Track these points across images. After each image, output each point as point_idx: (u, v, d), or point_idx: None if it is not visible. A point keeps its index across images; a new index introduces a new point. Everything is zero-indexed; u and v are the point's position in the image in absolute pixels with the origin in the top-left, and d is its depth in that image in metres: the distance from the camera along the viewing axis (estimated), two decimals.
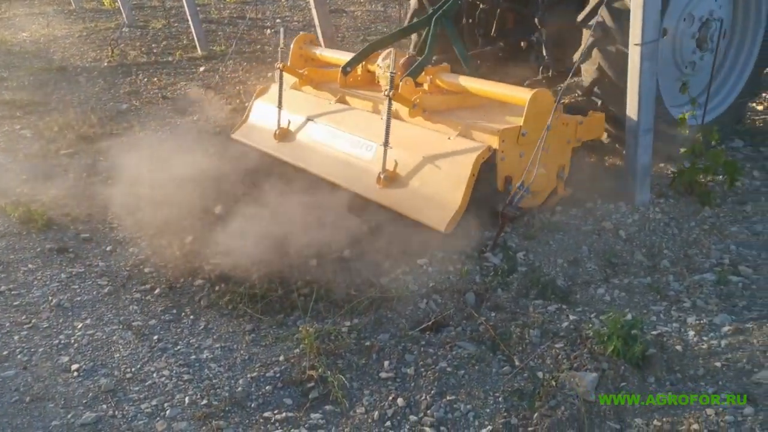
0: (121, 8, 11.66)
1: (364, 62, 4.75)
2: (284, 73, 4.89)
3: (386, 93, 3.86)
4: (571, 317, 3.13)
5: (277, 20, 11.89)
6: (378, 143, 3.99)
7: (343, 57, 4.89)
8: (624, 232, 3.90)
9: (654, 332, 3.00)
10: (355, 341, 3.02)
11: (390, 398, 2.70)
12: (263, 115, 5.18)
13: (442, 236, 3.81)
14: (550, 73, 5.12)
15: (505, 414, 2.59)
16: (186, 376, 2.91)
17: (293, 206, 4.39)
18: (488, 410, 2.62)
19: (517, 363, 2.86)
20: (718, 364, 2.75)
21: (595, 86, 4.46)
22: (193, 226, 4.21)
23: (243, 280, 3.53)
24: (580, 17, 4.40)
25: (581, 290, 3.43)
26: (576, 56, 4.37)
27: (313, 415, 2.64)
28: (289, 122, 4.83)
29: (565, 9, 4.65)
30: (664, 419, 2.49)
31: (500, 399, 2.67)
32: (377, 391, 2.76)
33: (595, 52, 4.30)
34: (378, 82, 4.55)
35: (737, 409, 2.48)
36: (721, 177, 4.40)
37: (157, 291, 3.57)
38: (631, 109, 3.97)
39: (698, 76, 4.82)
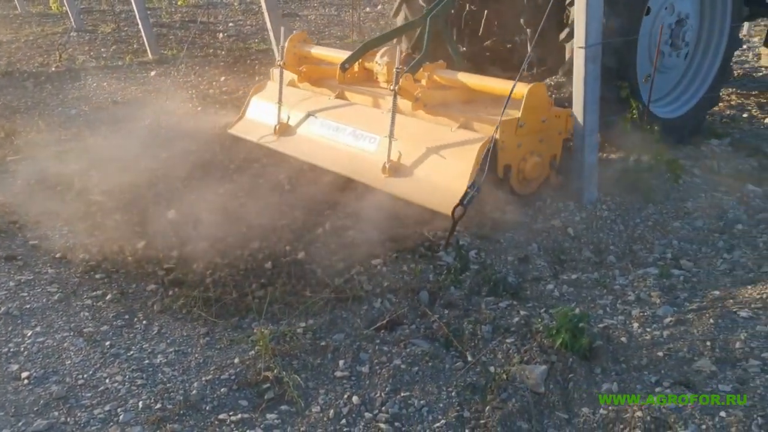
0: (69, 12, 11.44)
1: (360, 59, 4.94)
2: (275, 70, 5.19)
3: (392, 88, 4.11)
4: (522, 313, 3.21)
5: (230, 24, 11.82)
6: (381, 136, 4.25)
7: (335, 55, 5.11)
8: (572, 229, 4.02)
9: (600, 325, 3.10)
10: (311, 342, 3.05)
11: (345, 397, 2.74)
12: (261, 111, 5.34)
13: (393, 237, 3.88)
14: (534, 71, 5.42)
15: (458, 408, 2.65)
16: (139, 381, 2.89)
17: (248, 209, 4.40)
18: (441, 405, 2.67)
19: (469, 358, 2.93)
20: (660, 353, 2.86)
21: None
22: (145, 231, 4.18)
23: (197, 284, 3.52)
24: (562, 35, 4.70)
25: (531, 286, 3.52)
26: (561, 70, 4.74)
27: (268, 416, 2.66)
28: (289, 117, 5.01)
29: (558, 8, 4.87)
30: (610, 408, 2.59)
31: (453, 394, 2.72)
32: (332, 390, 2.78)
33: None
34: (376, 78, 4.80)
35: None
36: (664, 175, 4.56)
37: (108, 297, 3.53)
38: (577, 111, 4.09)
39: (670, 74, 5.25)
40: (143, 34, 9.15)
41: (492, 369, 2.84)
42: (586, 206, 4.18)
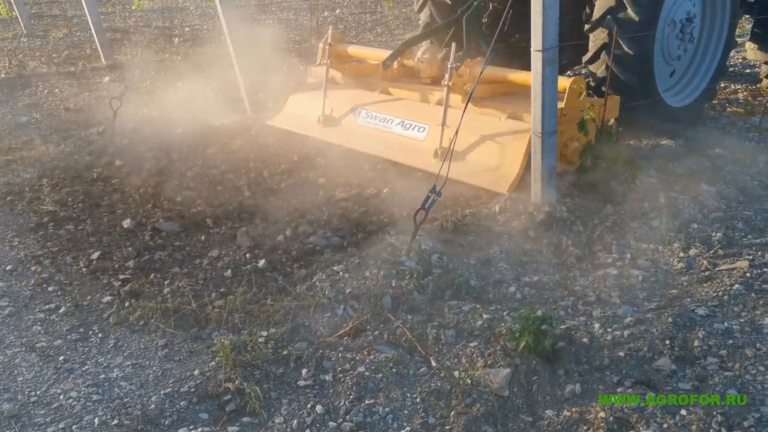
0: (19, 17, 11.12)
1: (399, 58, 5.44)
2: (314, 68, 5.83)
3: (445, 83, 4.60)
4: (485, 316, 3.21)
5: (186, 28, 11.64)
6: (429, 125, 4.77)
7: (371, 53, 5.73)
8: (533, 231, 4.04)
9: (563, 326, 3.12)
10: (273, 351, 3.00)
11: (309, 406, 2.69)
12: (301, 105, 5.76)
13: (356, 242, 3.86)
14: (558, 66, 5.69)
15: (423, 414, 2.63)
16: (95, 397, 2.80)
17: (206, 216, 4.33)
18: (406, 411, 2.65)
19: (433, 363, 2.91)
20: (621, 353, 2.88)
21: (604, 81, 5.06)
22: (100, 241, 4.07)
23: (154, 295, 3.44)
24: (588, 27, 5.21)
25: (494, 289, 3.53)
26: (585, 58, 5.25)
27: (230, 429, 2.60)
28: (332, 110, 5.42)
29: (569, 11, 5.34)
30: (573, 409, 2.60)
31: (418, 400, 2.70)
32: (296, 399, 2.74)
33: (603, 55, 5.13)
34: (419, 74, 5.34)
35: (640, 395, 2.61)
36: (622, 175, 4.62)
37: (62, 310, 3.41)
38: (536, 113, 4.11)
39: (680, 64, 5.81)
40: (96, 39, 8.94)
41: (456, 374, 2.82)
42: (546, 208, 4.20)
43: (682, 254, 3.78)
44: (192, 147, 5.54)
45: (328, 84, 5.47)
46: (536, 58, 3.98)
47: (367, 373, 2.85)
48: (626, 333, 3.03)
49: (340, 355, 2.97)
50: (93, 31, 8.93)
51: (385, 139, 4.98)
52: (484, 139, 4.50)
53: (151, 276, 3.63)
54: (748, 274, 3.42)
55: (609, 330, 3.08)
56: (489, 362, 2.86)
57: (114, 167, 5.14)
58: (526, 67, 5.33)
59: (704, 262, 3.66)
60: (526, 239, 3.98)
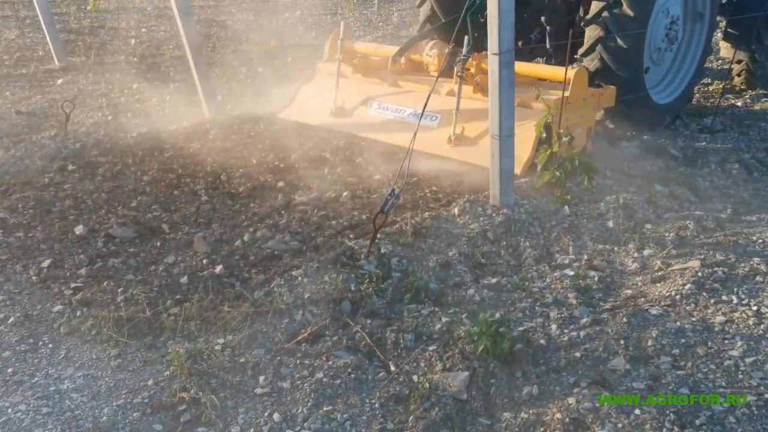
0: None
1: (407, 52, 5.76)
2: (322, 64, 6.12)
3: (458, 74, 4.91)
4: (444, 319, 3.21)
5: (143, 29, 11.45)
6: (441, 114, 5.11)
7: (377, 49, 6.06)
8: (491, 233, 4.06)
9: (520, 328, 3.14)
10: (229, 358, 2.95)
11: (266, 414, 2.66)
12: (312, 98, 6.04)
13: (315, 246, 3.83)
14: (552, 62, 6.26)
15: (382, 420, 2.61)
16: (45, 410, 2.72)
17: (162, 221, 4.25)
18: (365, 417, 2.63)
19: (392, 368, 2.90)
20: (577, 354, 2.91)
21: (597, 74, 5.54)
22: (51, 248, 3.96)
23: (107, 303, 3.36)
24: (584, 22, 5.57)
25: (453, 292, 3.53)
26: (580, 52, 5.63)
27: None
28: (344, 102, 5.73)
29: (563, 14, 6.09)
30: (531, 411, 2.61)
31: (376, 405, 2.69)
32: (252, 408, 2.70)
33: (598, 48, 5.50)
34: (426, 68, 5.70)
35: (595, 396, 2.64)
36: (578, 177, 4.68)
37: (11, 320, 3.31)
38: (493, 116, 4.14)
39: (662, 67, 6.18)
40: (49, 40, 8.73)
41: (415, 378, 2.82)
42: (504, 210, 4.24)
43: (636, 254, 3.84)
44: (148, 150, 5.45)
45: (336, 78, 5.76)
46: (493, 61, 4.01)
47: (325, 380, 2.82)
48: (582, 334, 3.07)
49: (298, 361, 2.94)
50: (46, 32, 8.72)
51: (398, 128, 5.21)
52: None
53: (104, 284, 3.55)
54: (699, 274, 3.48)
55: (566, 331, 3.11)
56: (447, 366, 2.86)
57: (66, 172, 5.02)
58: (526, 59, 6.07)
59: (658, 262, 3.72)
60: (485, 241, 4.00)
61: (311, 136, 5.84)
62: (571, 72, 4.83)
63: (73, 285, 3.56)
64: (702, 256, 3.71)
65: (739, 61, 7.57)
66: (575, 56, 6.12)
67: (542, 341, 3.03)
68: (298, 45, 10.47)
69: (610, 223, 4.21)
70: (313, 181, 4.93)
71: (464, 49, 4.91)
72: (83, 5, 13.86)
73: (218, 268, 3.67)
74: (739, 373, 2.73)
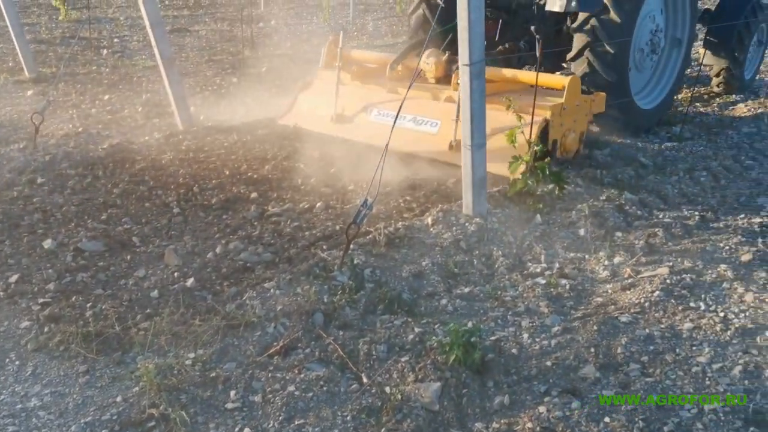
0: None
1: (404, 60, 5.92)
2: (320, 71, 6.25)
3: (459, 81, 4.71)
4: (417, 330, 3.21)
5: (115, 40, 11.35)
6: (441, 120, 5.24)
7: (373, 56, 6.30)
8: (464, 242, 4.08)
9: (492, 338, 3.15)
10: (200, 373, 2.92)
11: (237, 429, 2.63)
12: (310, 104, 6.14)
13: (287, 258, 3.81)
14: (542, 69, 6.17)
15: None
16: (11, 428, 2.66)
17: (133, 234, 4.21)
18: (336, 430, 2.62)
19: (365, 380, 2.89)
20: (549, 363, 2.93)
21: (585, 77, 5.80)
22: (19, 263, 3.90)
23: (75, 319, 3.31)
24: (573, 25, 5.87)
25: (426, 302, 3.54)
26: (569, 55, 5.92)
27: None
28: (344, 109, 5.81)
29: (551, 23, 6.34)
30: (502, 421, 2.62)
31: (348, 418, 2.68)
32: (223, 423, 2.67)
33: (587, 53, 5.80)
34: (424, 75, 5.79)
35: (565, 404, 2.66)
36: (549, 185, 4.73)
37: None
38: (465, 126, 4.17)
39: (645, 74, 6.48)
40: (19, 51, 8.60)
41: (387, 389, 2.81)
42: (477, 219, 4.26)
43: (607, 262, 3.88)
44: (119, 163, 5.39)
45: (335, 85, 5.87)
46: (464, 72, 4.04)
47: (297, 393, 2.81)
48: (554, 342, 3.09)
49: (269, 375, 2.92)
50: (15, 43, 8.59)
51: (398, 134, 5.20)
52: (494, 131, 4.82)
53: (73, 299, 3.50)
54: (668, 281, 3.53)
55: (537, 340, 3.13)
56: (420, 377, 2.86)
57: (35, 185, 4.95)
58: (515, 66, 6.35)
59: (628, 269, 3.76)
60: (458, 251, 4.02)
61: (285, 146, 5.83)
62: (566, 80, 5.09)
63: (41, 300, 3.50)
64: (671, 263, 3.76)
65: (718, 66, 7.97)
66: (563, 64, 6.52)
67: (514, 350, 3.05)
68: (272, 54, 10.45)
69: (582, 231, 4.25)
70: (286, 191, 4.91)
71: (461, 59, 4.98)
72: (55, 15, 13.70)
73: (189, 281, 3.64)
74: (707, 379, 2.77)
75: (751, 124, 6.91)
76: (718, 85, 8.13)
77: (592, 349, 2.99)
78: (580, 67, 5.86)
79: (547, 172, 4.58)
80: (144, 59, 9.70)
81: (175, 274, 3.75)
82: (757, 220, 4.39)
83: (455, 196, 4.69)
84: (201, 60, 10.08)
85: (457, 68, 4.85)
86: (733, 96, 8.08)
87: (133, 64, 9.47)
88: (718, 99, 8.00)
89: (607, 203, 4.62)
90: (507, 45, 6.56)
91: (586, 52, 5.80)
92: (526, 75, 5.44)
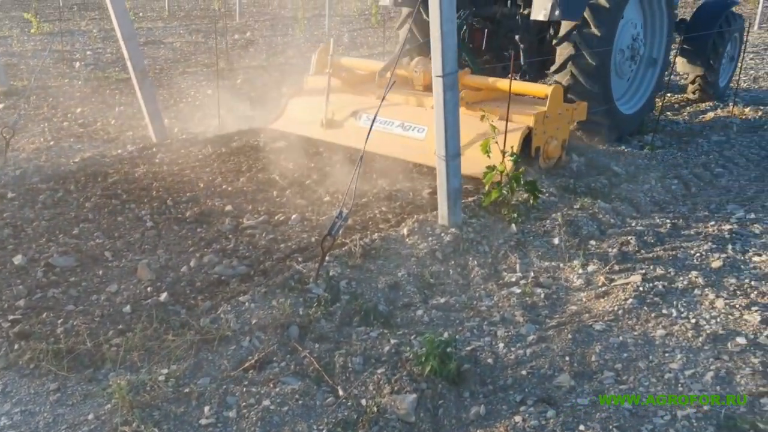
0: None
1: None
2: (310, 78, 6.43)
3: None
4: (392, 341, 3.21)
5: (88, 52, 11.25)
6: (428, 126, 5.28)
7: (362, 64, 6.47)
8: (440, 253, 4.09)
9: (468, 348, 3.16)
10: (173, 389, 2.88)
11: None
12: (300, 110, 6.25)
13: (263, 270, 3.80)
14: (527, 77, 6.67)
15: None
16: None
17: (105, 249, 4.15)
18: None
19: (341, 393, 2.88)
20: (524, 372, 2.94)
21: (569, 89, 6.00)
22: None
23: (46, 335, 3.25)
24: (556, 41, 6.07)
25: (402, 313, 3.54)
26: (553, 68, 6.09)
27: None
28: (334, 114, 5.91)
29: (534, 32, 6.58)
30: (478, 431, 2.62)
31: (324, 431, 2.66)
32: None
33: (569, 65, 5.98)
34: (412, 82, 5.98)
35: (541, 413, 2.67)
36: (524, 195, 4.76)
37: None
38: (439, 137, 4.19)
39: (624, 80, 6.72)
40: None
41: (363, 402, 2.80)
42: (452, 229, 4.27)
43: (581, 271, 3.92)
44: (91, 176, 5.33)
45: (324, 91, 5.97)
46: (437, 84, 4.06)
47: (272, 407, 2.78)
48: (529, 351, 3.10)
49: (244, 389, 2.90)
50: None
51: (387, 139, 5.46)
52: (481, 138, 4.95)
53: (44, 315, 3.44)
54: (641, 288, 3.57)
55: (513, 349, 3.14)
56: (396, 388, 2.85)
57: (5, 200, 4.86)
58: (500, 75, 6.39)
59: (601, 277, 3.80)
60: (434, 261, 4.02)
61: (260, 158, 5.81)
62: (549, 88, 5.28)
63: (11, 317, 3.43)
64: (643, 271, 3.80)
65: (693, 74, 8.28)
66: (546, 72, 6.61)
67: (490, 360, 3.06)
68: (248, 66, 10.42)
69: (556, 240, 4.28)
70: (261, 204, 4.89)
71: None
72: (27, 28, 13.54)
73: (163, 296, 3.60)
74: (679, 385, 2.80)
75: (720, 132, 7.03)
76: (693, 92, 8.39)
77: (567, 358, 3.01)
78: (563, 79, 6.02)
79: (522, 182, 4.61)
80: (117, 72, 9.62)
81: (148, 288, 3.71)
82: (727, 227, 4.46)
83: (431, 206, 4.70)
84: (175, 72, 10.02)
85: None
86: (703, 105, 8.23)
87: (106, 76, 9.38)
88: (688, 108, 8.14)
89: (581, 212, 4.66)
90: (491, 55, 6.88)
91: (569, 65, 5.98)
92: (513, 84, 5.51)
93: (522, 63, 6.66)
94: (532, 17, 5.96)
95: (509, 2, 6.77)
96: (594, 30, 5.83)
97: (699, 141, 6.68)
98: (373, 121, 4.26)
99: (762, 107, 8.08)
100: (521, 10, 6.56)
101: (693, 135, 6.92)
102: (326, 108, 5.92)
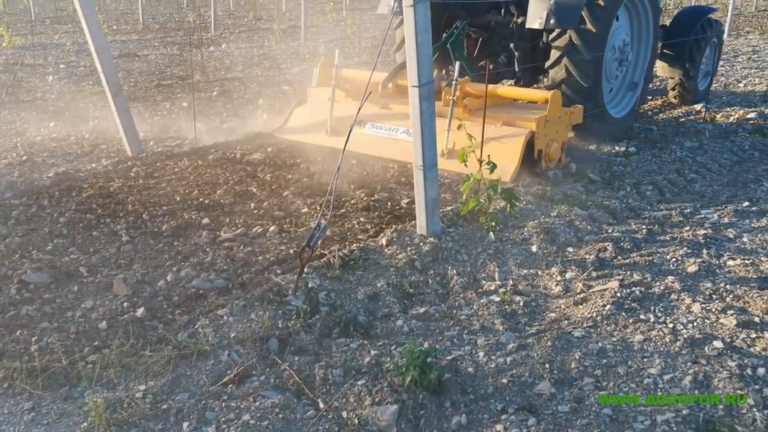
0: None
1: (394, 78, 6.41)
2: (313, 89, 6.73)
3: (451, 98, 5.61)
4: (373, 352, 3.19)
5: (61, 66, 11.13)
6: None
7: (362, 75, 6.60)
8: (419, 262, 4.09)
9: (448, 357, 3.15)
10: (151, 405, 2.84)
11: None
12: (305, 119, 6.59)
13: (241, 283, 3.77)
14: (521, 83, 7.06)
15: None
16: None
17: (80, 264, 4.09)
18: None
19: (321, 405, 2.86)
20: (505, 380, 2.94)
21: (562, 83, 6.33)
22: None
23: (20, 354, 3.18)
24: (551, 37, 6.35)
25: (382, 324, 3.52)
26: (547, 64, 6.41)
27: None
28: (338, 122, 6.21)
29: (527, 40, 6.89)
30: None
31: None
32: None
33: (564, 60, 6.28)
34: None
35: (522, 421, 2.67)
36: (501, 203, 4.78)
37: None
38: (416, 147, 4.20)
39: (614, 84, 7.05)
40: None
41: (344, 414, 2.78)
42: (431, 238, 4.28)
43: (559, 278, 3.94)
44: (65, 191, 5.26)
45: (327, 101, 6.28)
46: (413, 94, 4.07)
47: (252, 422, 2.75)
48: (509, 359, 3.10)
49: (223, 404, 2.86)
50: None
51: (392, 144, 5.82)
52: (486, 141, 5.22)
53: (17, 333, 3.37)
54: (618, 294, 3.60)
55: (493, 358, 3.14)
56: (377, 400, 2.83)
57: None
58: (493, 81, 6.82)
59: (579, 284, 3.82)
60: (413, 271, 4.02)
61: (237, 170, 5.78)
62: (549, 94, 5.57)
63: None
64: (621, 277, 3.83)
65: (672, 79, 8.63)
66: (538, 77, 7.02)
67: (470, 369, 3.05)
68: (223, 78, 10.39)
69: (534, 248, 4.31)
70: (239, 216, 4.86)
71: (456, 74, 5.68)
72: None
73: (139, 311, 3.55)
74: (658, 390, 2.82)
75: (693, 138, 7.14)
76: (674, 97, 8.71)
77: (547, 365, 3.01)
78: (558, 74, 6.33)
79: (499, 190, 4.63)
80: (91, 85, 9.54)
81: (125, 304, 3.66)
82: (702, 231, 4.52)
83: (409, 216, 4.71)
84: (150, 85, 9.95)
85: (447, 84, 5.76)
86: (676, 111, 8.36)
87: (80, 90, 9.29)
88: (661, 114, 8.26)
89: (558, 219, 4.70)
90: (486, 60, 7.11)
91: (564, 60, 6.27)
92: (510, 90, 6.04)
93: (516, 69, 6.98)
94: (528, 26, 6.24)
95: (503, 11, 7.06)
96: (589, 28, 6.12)
97: (672, 147, 6.77)
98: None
99: (733, 113, 8.23)
100: (515, 19, 6.84)
101: (666, 141, 7.02)
102: (331, 116, 6.26)
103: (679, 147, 6.80)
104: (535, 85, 7.32)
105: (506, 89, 5.95)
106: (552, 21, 6.02)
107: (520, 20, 6.71)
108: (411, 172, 4.48)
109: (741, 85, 10.30)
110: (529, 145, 5.41)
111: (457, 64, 5.78)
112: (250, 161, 6.01)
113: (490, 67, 7.12)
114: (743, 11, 22.71)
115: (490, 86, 5.85)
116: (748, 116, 8.06)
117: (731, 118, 7.98)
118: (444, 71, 6.99)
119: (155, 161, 6.01)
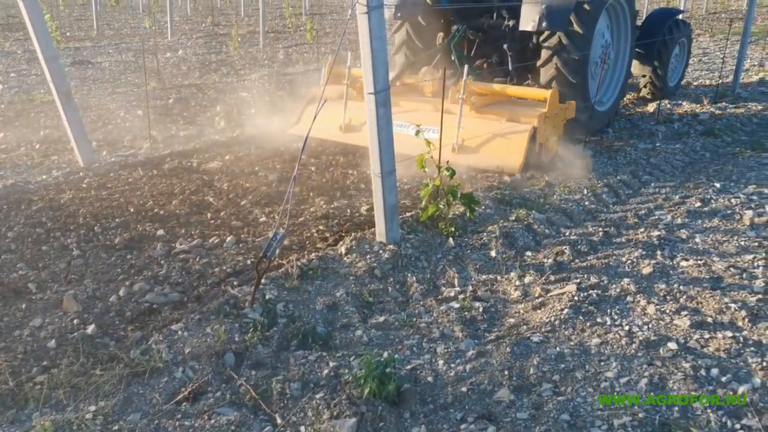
0: None
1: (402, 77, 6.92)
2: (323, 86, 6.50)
3: (460, 96, 5.99)
4: (331, 364, 3.15)
5: (12, 74, 10.83)
6: (437, 128, 5.48)
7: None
8: (379, 270, 4.06)
9: (408, 367, 3.13)
10: (101, 427, 2.75)
11: None
12: (319, 116, 6.32)
13: (196, 296, 3.69)
14: (515, 81, 7.39)
15: None
16: None
17: (28, 280, 3.96)
18: None
19: (279, 421, 2.80)
20: (464, 389, 2.93)
21: (553, 80, 6.74)
22: None
23: None
24: (542, 38, 6.73)
25: (341, 334, 3.48)
26: (538, 63, 6.80)
27: None
28: (350, 119, 6.61)
29: (518, 41, 7.30)
30: None
31: None
32: None
33: (554, 59, 6.68)
34: (422, 90, 6.88)
35: (481, 430, 2.66)
36: (460, 208, 4.79)
37: None
38: (373, 154, 4.17)
39: (595, 82, 7.35)
40: None
41: (302, 429, 2.73)
42: (390, 246, 4.25)
43: (518, 282, 3.95)
44: (14, 204, 5.10)
45: (332, 99, 6.45)
46: (369, 101, 4.04)
47: None
48: (468, 367, 3.09)
49: (177, 423, 2.78)
50: None
51: (404, 140, 5.77)
52: (494, 137, 5.87)
53: None
54: (576, 298, 3.62)
55: (452, 366, 3.12)
56: (335, 413, 2.79)
57: None
58: (487, 80, 7.20)
59: (538, 288, 3.84)
60: (373, 279, 3.99)
61: (193, 180, 5.68)
62: (547, 92, 6.00)
63: None
64: (578, 280, 3.86)
65: (644, 76, 9.13)
66: (530, 75, 7.31)
67: (430, 378, 3.03)
68: (180, 85, 10.23)
69: (493, 253, 4.31)
70: (195, 227, 4.77)
71: (464, 74, 5.99)
72: None
73: (90, 328, 3.44)
74: (615, 393, 2.83)
75: (647, 140, 7.27)
76: (647, 94, 9.22)
77: (506, 372, 3.01)
78: (548, 72, 6.74)
79: (458, 195, 4.64)
80: (42, 94, 9.29)
81: (75, 321, 3.55)
82: (656, 233, 4.58)
83: (369, 223, 4.68)
84: (104, 93, 9.74)
85: (465, 82, 6.00)
86: (630, 112, 8.50)
87: (30, 99, 9.04)
88: (616, 116, 8.38)
89: (517, 223, 4.72)
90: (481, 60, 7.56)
91: (554, 59, 6.69)
92: (512, 89, 6.39)
93: (510, 68, 7.40)
94: (521, 28, 6.64)
95: (495, 14, 7.55)
96: (576, 29, 6.53)
97: (627, 149, 6.88)
98: (315, 117, 4.27)
99: (684, 115, 8.40)
100: (507, 21, 7.29)
101: (621, 143, 7.13)
102: (345, 114, 6.58)
103: (633, 149, 6.91)
104: (525, 83, 7.72)
105: (512, 88, 6.35)
106: (544, 24, 6.45)
107: (511, 23, 7.18)
108: (370, 178, 4.46)
109: (692, 86, 10.53)
110: (532, 139, 5.80)
111: (465, 66, 6.10)
112: (207, 170, 5.92)
113: (484, 66, 7.55)
114: (694, 14, 23.30)
115: (497, 85, 6.39)
116: (699, 117, 8.24)
117: (683, 120, 8.15)
118: (444, 71, 7.36)
119: (108, 171, 5.87)
